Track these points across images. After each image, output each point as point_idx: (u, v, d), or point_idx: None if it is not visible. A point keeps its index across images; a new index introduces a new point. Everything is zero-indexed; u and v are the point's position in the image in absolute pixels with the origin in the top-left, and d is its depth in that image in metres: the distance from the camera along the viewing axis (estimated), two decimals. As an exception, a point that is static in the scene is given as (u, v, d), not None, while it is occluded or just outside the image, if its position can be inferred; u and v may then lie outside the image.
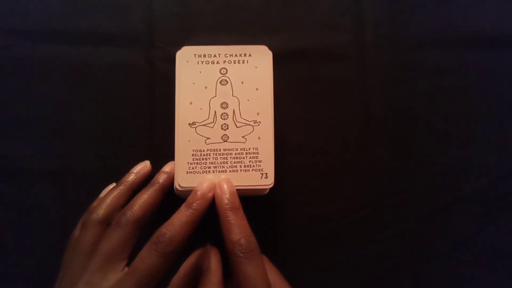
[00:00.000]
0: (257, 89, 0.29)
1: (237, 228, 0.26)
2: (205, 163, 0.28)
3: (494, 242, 0.34)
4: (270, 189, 0.29)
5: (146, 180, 0.31)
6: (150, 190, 0.29)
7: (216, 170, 0.28)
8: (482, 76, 0.36)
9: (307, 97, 0.35)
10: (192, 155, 0.28)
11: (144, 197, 0.28)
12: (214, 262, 0.27)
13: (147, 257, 0.25)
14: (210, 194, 0.27)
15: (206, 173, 0.28)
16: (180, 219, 0.26)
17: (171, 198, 0.30)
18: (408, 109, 0.35)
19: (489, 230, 0.34)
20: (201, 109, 0.29)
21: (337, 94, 0.35)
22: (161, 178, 0.29)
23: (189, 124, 0.28)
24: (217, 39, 0.34)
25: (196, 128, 0.28)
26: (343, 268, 0.34)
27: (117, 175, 0.32)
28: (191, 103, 0.29)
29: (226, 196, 0.27)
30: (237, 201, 0.27)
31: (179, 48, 0.30)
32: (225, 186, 0.27)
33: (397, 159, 0.35)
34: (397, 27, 0.36)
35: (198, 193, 0.27)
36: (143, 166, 0.32)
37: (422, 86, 0.35)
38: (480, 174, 0.35)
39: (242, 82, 0.29)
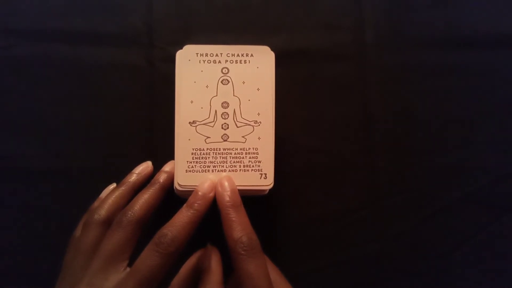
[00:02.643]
0: (258, 89, 0.29)
1: (239, 225, 0.26)
2: (205, 162, 0.28)
3: (494, 242, 0.34)
4: (270, 189, 0.29)
5: (147, 181, 0.31)
6: (151, 190, 0.29)
7: (215, 170, 0.28)
8: (482, 76, 0.36)
9: (307, 97, 0.35)
10: (192, 154, 0.28)
11: (145, 197, 0.28)
12: (214, 262, 0.27)
13: (149, 257, 0.25)
14: (211, 194, 0.27)
15: (206, 172, 0.28)
16: (181, 220, 0.26)
17: (172, 198, 0.30)
18: (408, 109, 0.35)
19: (489, 230, 0.34)
20: (201, 108, 0.29)
21: (337, 94, 0.35)
22: (161, 177, 0.29)
23: (190, 122, 0.28)
24: (217, 39, 0.34)
25: (197, 127, 0.28)
26: (343, 268, 0.34)
27: (117, 175, 0.32)
28: (192, 102, 0.29)
29: (227, 193, 0.27)
30: (238, 198, 0.27)
31: (179, 48, 0.30)
32: (226, 183, 0.27)
33: (397, 159, 0.35)
34: (397, 27, 0.36)
35: (199, 193, 0.27)
36: (145, 167, 0.32)
37: (422, 86, 0.35)
38: (480, 174, 0.35)
39: (244, 82, 0.29)
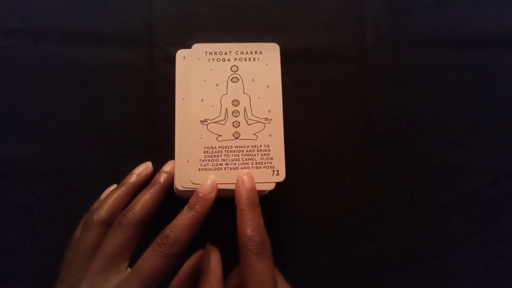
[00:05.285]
0: (268, 86, 0.29)
1: (253, 224, 0.26)
2: (217, 160, 0.28)
3: (494, 242, 0.34)
4: (270, 190, 0.29)
5: (147, 181, 0.31)
6: (151, 191, 0.29)
7: (228, 167, 0.28)
8: (482, 76, 0.36)
9: (307, 97, 0.35)
10: (204, 152, 0.28)
11: (146, 198, 0.28)
12: (214, 262, 0.27)
13: (152, 258, 0.25)
14: (212, 195, 0.27)
15: (218, 170, 0.28)
16: (183, 221, 0.26)
17: (172, 198, 0.30)
18: (408, 109, 0.35)
19: (489, 230, 0.34)
20: (212, 106, 0.29)
21: (337, 94, 0.35)
22: (161, 178, 0.29)
23: (201, 121, 0.29)
24: (217, 39, 0.34)
25: (208, 125, 0.29)
26: (343, 268, 0.34)
27: (117, 175, 0.32)
28: (202, 100, 0.29)
29: (246, 190, 0.27)
30: (256, 197, 0.27)
31: (179, 48, 0.30)
32: (246, 180, 0.27)
33: (397, 159, 0.35)
34: (397, 27, 0.36)
35: (200, 194, 0.27)
36: (145, 167, 0.32)
37: (422, 86, 0.35)
38: (480, 174, 0.35)
39: (253, 80, 0.29)
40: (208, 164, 0.28)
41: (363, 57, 0.36)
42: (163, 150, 0.33)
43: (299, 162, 0.35)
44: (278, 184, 0.29)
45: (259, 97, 0.29)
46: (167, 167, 0.30)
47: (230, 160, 0.28)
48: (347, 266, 0.34)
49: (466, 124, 0.35)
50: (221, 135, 0.29)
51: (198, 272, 0.28)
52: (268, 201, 0.32)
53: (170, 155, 0.29)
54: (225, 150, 0.28)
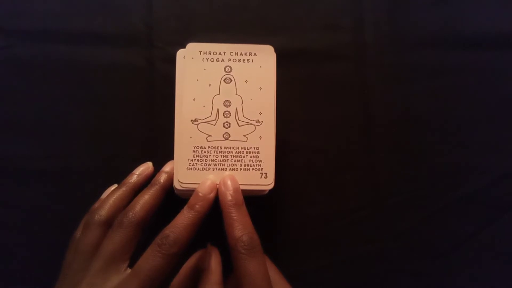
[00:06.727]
0: (260, 88, 0.29)
1: (240, 224, 0.26)
2: (206, 160, 0.28)
3: (494, 242, 0.34)
4: (270, 189, 0.29)
5: (147, 181, 0.31)
6: (152, 191, 0.29)
7: (216, 168, 0.28)
8: (482, 76, 0.36)
9: (307, 97, 0.35)
10: (193, 151, 0.28)
11: (146, 198, 0.28)
12: (214, 262, 0.27)
13: (151, 258, 0.25)
14: (211, 195, 0.27)
15: (206, 170, 0.28)
16: (183, 221, 0.26)
17: (172, 198, 0.30)
18: (408, 109, 0.35)
19: (489, 230, 0.34)
20: (204, 106, 0.29)
21: (337, 94, 0.35)
22: (161, 178, 0.29)
23: (192, 120, 0.28)
24: (217, 39, 0.34)
25: (198, 125, 0.29)
26: (343, 268, 0.34)
27: (117, 175, 0.32)
28: (194, 99, 0.29)
29: (229, 192, 0.27)
30: (240, 197, 0.27)
31: (179, 48, 0.30)
32: (229, 182, 0.27)
33: (397, 159, 0.35)
34: (397, 27, 0.36)
35: (200, 194, 0.27)
36: (146, 168, 0.32)
37: (422, 86, 0.35)
38: (480, 174, 0.35)
39: (246, 81, 0.29)
40: (196, 164, 0.28)
41: (363, 57, 0.36)
42: (163, 150, 0.33)
43: (299, 162, 0.35)
44: (277, 184, 0.29)
45: (251, 99, 0.29)
46: (167, 167, 0.30)
47: (219, 161, 0.28)
48: (347, 266, 0.34)
49: (466, 124, 0.35)
50: (211, 135, 0.29)
51: (198, 272, 0.29)
52: (268, 201, 0.32)
53: (170, 155, 0.29)
54: (214, 151, 0.28)
